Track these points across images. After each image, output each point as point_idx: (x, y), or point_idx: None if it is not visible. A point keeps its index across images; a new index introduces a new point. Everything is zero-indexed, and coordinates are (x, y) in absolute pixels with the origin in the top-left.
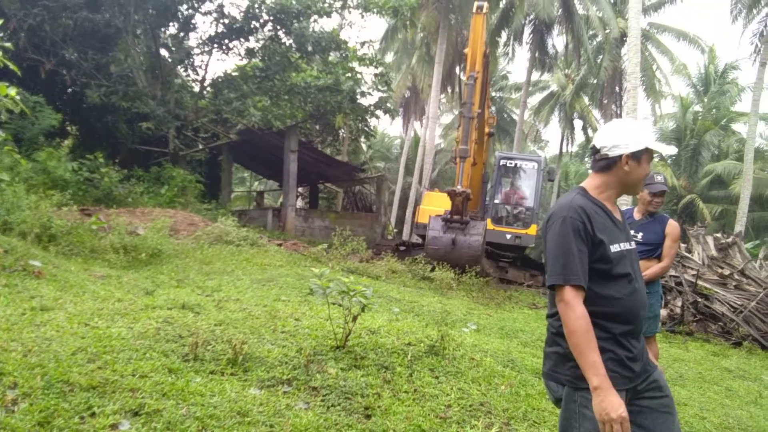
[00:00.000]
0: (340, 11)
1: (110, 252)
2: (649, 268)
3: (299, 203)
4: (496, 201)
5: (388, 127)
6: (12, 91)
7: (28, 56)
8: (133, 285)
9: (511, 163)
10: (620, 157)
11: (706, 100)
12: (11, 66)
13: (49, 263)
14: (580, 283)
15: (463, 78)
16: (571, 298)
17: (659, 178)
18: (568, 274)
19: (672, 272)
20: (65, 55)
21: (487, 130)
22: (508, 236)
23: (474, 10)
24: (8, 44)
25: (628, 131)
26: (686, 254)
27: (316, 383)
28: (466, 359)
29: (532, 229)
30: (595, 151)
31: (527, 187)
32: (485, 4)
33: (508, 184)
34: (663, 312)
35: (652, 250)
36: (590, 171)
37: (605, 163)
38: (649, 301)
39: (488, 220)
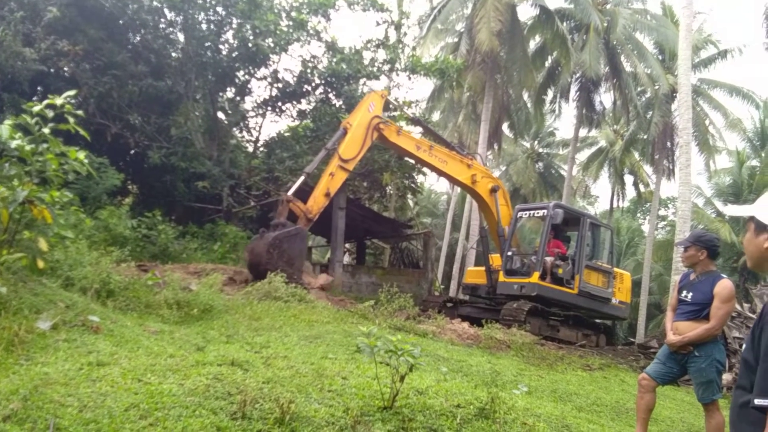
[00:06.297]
0: (388, 74)
1: (164, 307)
2: (693, 330)
3: (346, 259)
4: (509, 253)
5: (434, 183)
6: (81, 155)
7: (96, 121)
8: (184, 341)
9: (526, 214)
10: None
11: (763, 154)
12: (82, 132)
13: (107, 318)
14: None
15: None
16: None
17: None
18: None
19: (736, 333)
20: (130, 119)
21: (489, 185)
22: (515, 287)
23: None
24: (80, 112)
25: None
26: (750, 314)
27: None
28: (518, 424)
29: (534, 277)
30: None
31: (537, 234)
32: (385, 92)
33: (519, 235)
34: (727, 376)
35: (698, 310)
36: None
37: None
38: (699, 365)
39: (500, 273)
